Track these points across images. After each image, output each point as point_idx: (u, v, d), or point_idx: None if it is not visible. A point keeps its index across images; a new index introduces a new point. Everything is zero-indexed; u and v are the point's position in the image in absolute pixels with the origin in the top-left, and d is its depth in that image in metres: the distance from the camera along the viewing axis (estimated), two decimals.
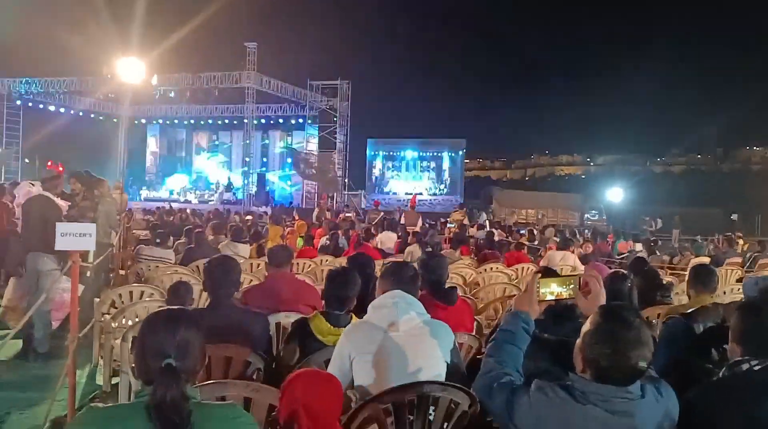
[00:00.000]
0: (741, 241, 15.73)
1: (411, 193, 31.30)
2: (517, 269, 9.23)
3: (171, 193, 33.92)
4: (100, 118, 34.69)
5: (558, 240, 12.44)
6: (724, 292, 6.57)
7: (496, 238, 13.32)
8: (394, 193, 33.20)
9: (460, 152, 34.50)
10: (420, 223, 19.50)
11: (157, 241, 8.66)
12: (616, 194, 38.11)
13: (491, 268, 8.95)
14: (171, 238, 10.11)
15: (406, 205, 27.12)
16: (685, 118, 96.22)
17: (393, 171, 34.29)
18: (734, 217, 31.83)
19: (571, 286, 2.69)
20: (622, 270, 4.79)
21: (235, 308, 3.82)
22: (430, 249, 10.36)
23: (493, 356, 2.54)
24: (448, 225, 19.23)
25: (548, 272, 3.12)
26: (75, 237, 4.35)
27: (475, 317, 5.02)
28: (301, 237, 12.40)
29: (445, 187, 33.67)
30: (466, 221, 19.04)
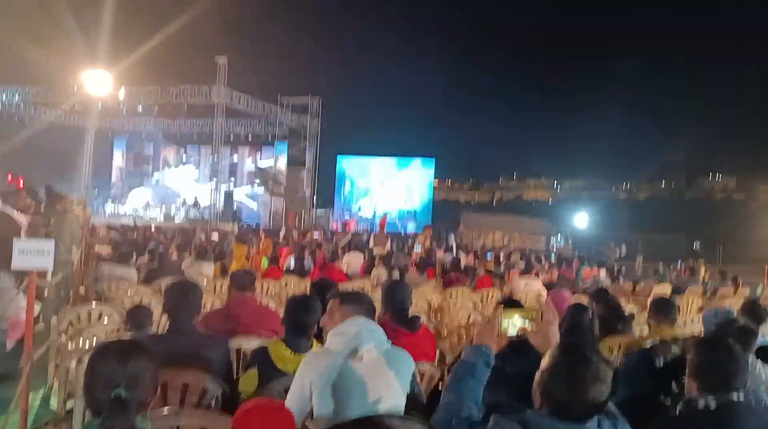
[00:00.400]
0: (703, 270, 15.99)
1: (380, 214, 31.34)
2: (482, 295, 9.25)
3: (136, 208, 33.48)
4: (66, 129, 34.13)
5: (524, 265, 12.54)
6: (685, 323, 6.64)
7: (463, 263, 13.36)
8: (363, 213, 33.17)
9: (430, 173, 34.63)
10: (389, 245, 19.49)
11: (119, 259, 8.52)
12: (581, 219, 38.60)
13: (457, 293, 8.96)
14: (134, 255, 9.97)
15: (375, 226, 27.12)
16: (649, 147, 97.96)
17: (362, 190, 34.24)
18: (696, 244, 32.42)
19: (534, 318, 2.70)
20: (582, 302, 4.83)
21: (195, 333, 3.76)
22: (396, 271, 10.36)
23: (452, 390, 2.53)
24: (415, 247, 19.25)
25: (511, 303, 3.13)
26: (33, 255, 4.25)
27: (439, 344, 5.01)
28: (266, 257, 12.30)
29: (414, 208, 33.72)
30: (427, 243, 19.09)
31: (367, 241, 19.94)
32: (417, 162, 34.57)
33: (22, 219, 6.69)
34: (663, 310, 4.59)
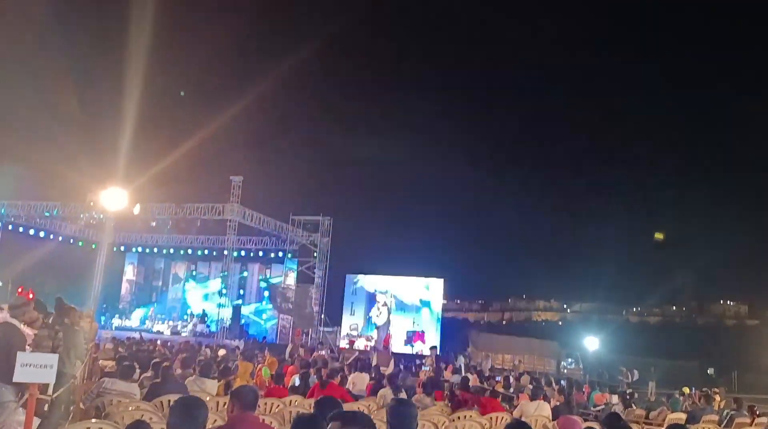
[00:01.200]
0: (718, 398, 15.57)
1: (386, 332, 31.11)
2: (491, 418, 9.01)
3: (143, 322, 33.37)
4: (80, 244, 34.60)
5: (532, 388, 12.27)
6: None
7: (471, 384, 13.09)
8: (370, 332, 32.81)
9: (439, 293, 34.41)
10: (392, 364, 19.22)
11: (122, 373, 8.41)
12: (592, 342, 38.02)
13: (464, 417, 8.75)
14: (137, 370, 9.84)
15: (380, 345, 26.80)
16: (659, 271, 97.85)
17: (370, 308, 33.97)
18: (710, 371, 31.74)
19: None
20: (594, 428, 4.71)
21: None
22: (402, 393, 10.15)
23: None
24: (423, 368, 18.96)
25: (520, 428, 3.07)
26: (35, 368, 4.23)
27: None
28: (271, 375, 12.12)
29: (422, 327, 33.30)
30: (434, 364, 18.83)
31: (372, 360, 19.68)
32: (426, 281, 34.46)
33: (28, 331, 6.68)
34: None
